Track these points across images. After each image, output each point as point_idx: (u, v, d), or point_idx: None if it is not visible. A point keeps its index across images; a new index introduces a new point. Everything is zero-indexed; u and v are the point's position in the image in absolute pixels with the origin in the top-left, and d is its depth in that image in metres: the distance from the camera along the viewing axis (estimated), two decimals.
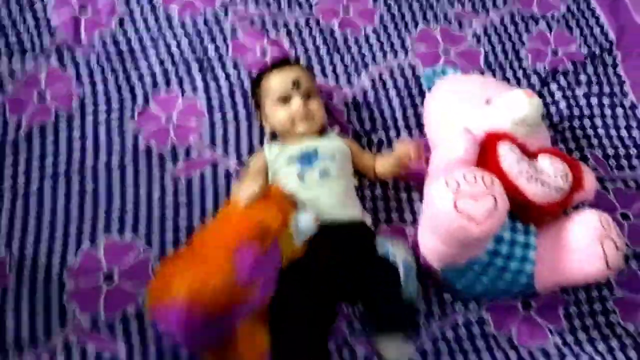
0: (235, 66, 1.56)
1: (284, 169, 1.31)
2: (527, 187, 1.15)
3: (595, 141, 1.55)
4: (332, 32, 1.65)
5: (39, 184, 1.39)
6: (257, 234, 1.06)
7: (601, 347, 1.33)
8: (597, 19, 1.73)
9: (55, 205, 1.37)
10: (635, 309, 1.38)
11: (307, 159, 1.30)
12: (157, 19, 1.64)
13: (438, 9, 1.73)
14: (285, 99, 1.36)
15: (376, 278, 1.20)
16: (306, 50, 1.61)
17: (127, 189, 1.40)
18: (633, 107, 1.60)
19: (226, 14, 1.65)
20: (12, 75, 1.51)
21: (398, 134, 1.52)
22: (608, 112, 1.59)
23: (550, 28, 1.71)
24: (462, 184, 1.06)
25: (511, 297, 1.34)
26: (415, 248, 1.28)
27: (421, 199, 1.37)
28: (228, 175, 1.42)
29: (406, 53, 1.63)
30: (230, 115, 1.49)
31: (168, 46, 1.59)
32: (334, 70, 1.59)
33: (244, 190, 1.15)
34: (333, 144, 1.35)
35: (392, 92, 1.56)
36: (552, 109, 1.58)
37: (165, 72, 1.54)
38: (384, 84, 1.58)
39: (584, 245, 1.13)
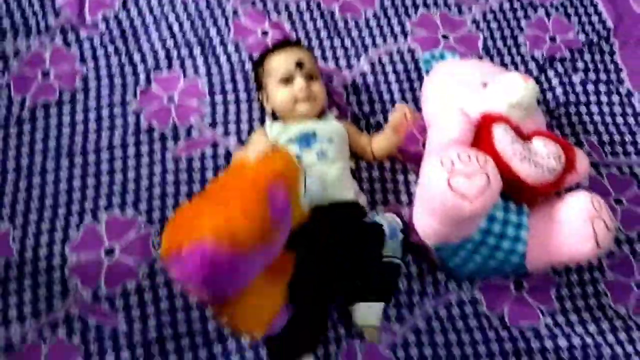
0: (237, 48, 1.57)
1: None
2: (520, 168, 1.16)
3: (590, 127, 1.56)
4: (332, 15, 1.65)
5: (42, 162, 1.40)
6: (282, 176, 1.01)
7: (592, 328, 1.34)
8: (595, 6, 1.73)
9: (58, 182, 1.39)
10: (626, 291, 1.39)
11: (306, 140, 1.31)
12: (160, 0, 1.64)
13: None
14: (287, 80, 1.36)
15: (360, 238, 1.23)
16: (307, 33, 1.61)
17: (129, 167, 1.41)
18: (629, 94, 1.61)
19: None
20: (17, 55, 1.52)
21: None
22: (604, 99, 1.59)
23: (548, 15, 1.71)
24: (456, 162, 1.07)
25: (503, 277, 1.35)
26: (410, 227, 1.29)
27: (417, 182, 1.38)
28: (228, 155, 1.43)
29: (406, 37, 1.63)
30: (231, 96, 1.49)
31: (170, 27, 1.59)
32: (334, 53, 1.59)
33: (253, 149, 1.16)
34: (331, 127, 1.36)
35: (392, 76, 1.57)
36: (549, 95, 1.58)
37: (168, 53, 1.55)
38: (384, 67, 1.58)
39: (575, 225, 1.14)
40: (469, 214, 1.07)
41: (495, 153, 1.15)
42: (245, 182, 0.98)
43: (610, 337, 1.34)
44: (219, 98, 1.49)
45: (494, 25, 1.68)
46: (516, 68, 1.61)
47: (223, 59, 1.55)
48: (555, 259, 1.18)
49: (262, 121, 1.45)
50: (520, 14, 1.70)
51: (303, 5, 1.67)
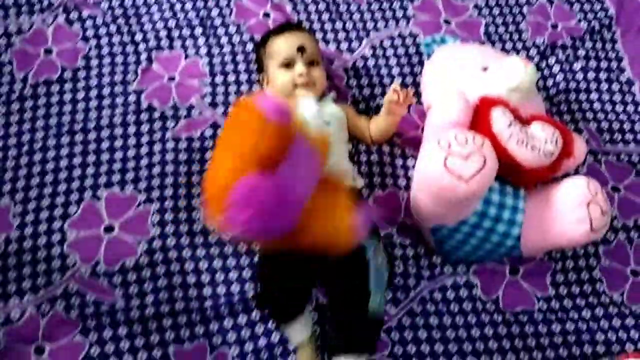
0: (238, 29, 1.54)
1: None
2: (517, 151, 1.15)
3: (590, 115, 1.54)
4: None
5: (43, 139, 1.39)
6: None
7: (586, 314, 1.34)
8: None
9: (59, 159, 1.38)
10: (622, 279, 1.39)
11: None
12: None
13: None
14: (288, 64, 1.34)
15: (344, 291, 1.17)
16: (308, 15, 1.59)
17: (129, 146, 1.40)
18: (629, 83, 1.59)
19: None
20: (20, 32, 1.50)
21: None
22: (604, 87, 1.57)
23: (551, 2, 1.69)
24: (453, 144, 1.06)
25: (498, 261, 1.34)
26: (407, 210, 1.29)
27: (415, 164, 1.37)
28: None
29: (408, 22, 1.61)
30: (231, 76, 1.48)
31: (172, 7, 1.57)
32: (336, 36, 1.57)
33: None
34: (330, 110, 1.34)
35: (392, 60, 1.55)
36: (549, 82, 1.56)
37: (169, 33, 1.53)
38: (385, 51, 1.56)
39: (570, 208, 1.13)
40: (465, 194, 1.06)
41: (492, 136, 1.14)
42: (247, 121, 0.97)
43: (604, 323, 1.33)
44: (219, 78, 1.47)
45: (496, 11, 1.65)
46: (517, 54, 1.59)
47: (224, 39, 1.53)
48: (550, 243, 1.17)
49: None
50: (522, 0, 1.67)
51: None
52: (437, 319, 1.30)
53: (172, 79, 1.47)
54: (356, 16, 1.61)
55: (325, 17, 1.59)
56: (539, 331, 1.31)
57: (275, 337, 1.25)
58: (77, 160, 1.37)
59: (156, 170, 1.37)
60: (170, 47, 1.52)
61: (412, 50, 1.56)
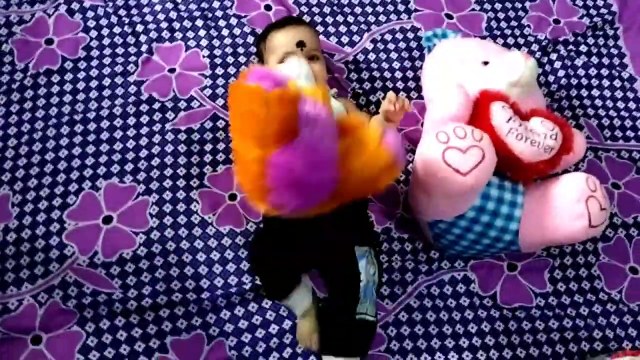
0: (239, 21, 1.53)
1: None
2: (516, 145, 1.13)
3: (591, 111, 1.52)
4: None
5: (43, 129, 1.38)
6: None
7: (584, 311, 1.32)
8: None
9: (58, 149, 1.36)
10: (620, 276, 1.37)
11: None
12: None
13: None
14: None
15: (334, 297, 1.20)
16: (310, 8, 1.57)
17: (129, 137, 1.38)
18: (631, 79, 1.56)
19: None
20: (21, 22, 1.48)
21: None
22: (606, 83, 1.55)
23: None
24: (452, 137, 1.05)
25: (496, 257, 1.33)
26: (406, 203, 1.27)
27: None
28: (227, 128, 1.40)
29: (409, 15, 1.58)
30: (232, 69, 1.46)
31: None
32: (337, 30, 1.55)
33: None
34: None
35: (393, 54, 1.53)
36: (551, 78, 1.54)
37: (170, 24, 1.51)
38: (386, 45, 1.54)
39: (569, 203, 1.11)
40: (462, 188, 1.05)
41: (492, 130, 1.13)
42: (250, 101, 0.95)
43: (602, 320, 1.32)
44: (220, 71, 1.45)
45: (498, 5, 1.63)
46: (519, 49, 1.56)
47: (225, 31, 1.51)
48: (548, 238, 1.16)
49: None
50: None
51: None
52: (434, 315, 1.28)
53: (172, 70, 1.46)
54: (357, 9, 1.58)
55: (326, 10, 1.57)
56: (536, 327, 1.29)
57: (272, 329, 1.24)
58: (76, 151, 1.36)
59: (155, 161, 1.36)
60: (171, 38, 1.50)
61: (413, 44, 1.54)
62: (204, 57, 1.47)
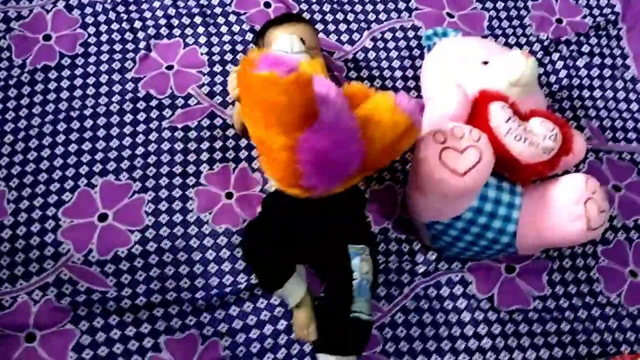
0: (238, 18, 1.50)
1: None
2: (514, 146, 1.11)
3: (592, 112, 1.49)
4: None
5: (40, 126, 1.36)
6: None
7: (582, 314, 1.30)
8: None
9: (55, 146, 1.34)
10: (620, 280, 1.35)
11: None
12: None
13: None
14: None
15: (328, 296, 1.17)
16: (310, 6, 1.54)
17: (125, 134, 1.36)
18: (634, 80, 1.53)
19: None
20: (19, 18, 1.46)
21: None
22: (608, 84, 1.52)
23: None
24: (449, 137, 1.03)
25: (494, 259, 1.30)
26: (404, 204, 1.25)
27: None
28: (225, 126, 1.38)
29: (410, 14, 1.56)
30: (230, 67, 1.44)
31: None
32: (337, 28, 1.52)
33: None
34: None
35: (393, 53, 1.50)
36: (552, 78, 1.51)
37: (169, 21, 1.49)
38: (386, 43, 1.51)
39: (567, 205, 1.09)
40: (459, 189, 1.03)
41: (490, 130, 1.10)
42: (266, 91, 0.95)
43: (600, 324, 1.29)
44: (218, 68, 1.43)
45: (500, 4, 1.60)
46: (520, 49, 1.53)
47: (224, 28, 1.49)
48: (546, 241, 1.13)
49: None
50: None
51: None
52: (431, 316, 1.26)
53: (170, 67, 1.43)
54: (358, 7, 1.56)
55: (326, 7, 1.54)
56: (534, 330, 1.27)
57: (267, 330, 1.22)
58: (72, 148, 1.34)
59: (152, 159, 1.34)
60: (170, 35, 1.48)
61: (413, 43, 1.52)
62: (202, 54, 1.45)
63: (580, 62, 1.53)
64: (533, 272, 1.32)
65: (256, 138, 1.05)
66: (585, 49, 1.55)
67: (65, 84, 1.40)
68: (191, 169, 1.34)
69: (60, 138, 1.35)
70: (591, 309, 1.31)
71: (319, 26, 1.51)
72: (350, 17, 1.54)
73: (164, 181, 1.32)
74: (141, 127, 1.37)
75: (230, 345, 1.21)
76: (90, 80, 1.41)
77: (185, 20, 1.49)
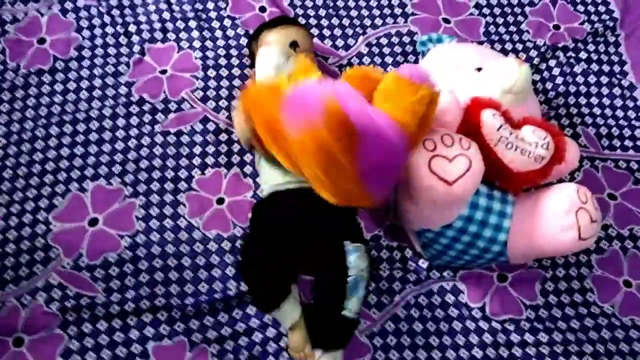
0: (233, 23, 1.48)
1: None
2: (506, 154, 1.08)
3: (589, 119, 1.46)
4: None
5: (32, 130, 1.35)
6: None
7: (575, 325, 1.27)
8: None
9: (47, 150, 1.33)
10: (614, 289, 1.32)
11: None
12: None
13: None
14: None
15: (323, 290, 1.16)
16: (305, 10, 1.52)
17: (118, 139, 1.35)
18: (631, 87, 1.50)
19: None
20: (14, 21, 1.45)
21: None
22: (605, 91, 1.48)
23: (554, 2, 1.60)
24: (439, 145, 1.00)
25: (486, 267, 1.28)
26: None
27: None
28: (218, 131, 1.36)
29: (406, 19, 1.53)
30: (224, 72, 1.42)
31: None
32: (332, 33, 1.50)
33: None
34: None
35: (388, 58, 1.48)
36: (549, 84, 1.48)
37: (163, 25, 1.47)
38: (381, 49, 1.49)
39: (558, 215, 1.06)
40: (448, 197, 1.01)
41: (481, 137, 1.07)
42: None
43: (593, 334, 1.27)
44: (212, 72, 1.41)
45: (497, 10, 1.57)
46: (517, 55, 1.51)
47: (218, 33, 1.47)
48: (537, 250, 1.11)
49: None
50: (525, 0, 1.59)
51: None
52: (421, 325, 1.24)
53: (164, 71, 1.42)
54: (354, 12, 1.53)
55: (322, 12, 1.52)
56: (525, 340, 1.24)
57: (255, 337, 1.20)
58: (64, 152, 1.33)
59: (143, 163, 1.32)
60: (164, 39, 1.46)
61: (409, 48, 1.49)
62: (196, 58, 1.43)
63: (578, 69, 1.49)
64: (526, 281, 1.29)
65: (314, 179, 1.00)
66: (583, 55, 1.52)
67: (59, 87, 1.39)
68: (183, 173, 1.32)
69: (53, 142, 1.34)
70: (584, 319, 1.28)
71: (314, 31, 1.49)
72: (346, 22, 1.52)
73: (155, 186, 1.30)
74: (134, 132, 1.35)
75: (219, 353, 1.19)
76: (84, 84, 1.40)
77: (180, 25, 1.47)
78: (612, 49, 1.54)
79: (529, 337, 1.24)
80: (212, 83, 1.40)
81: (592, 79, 1.49)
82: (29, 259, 1.23)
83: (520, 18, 1.56)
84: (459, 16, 1.55)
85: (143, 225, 1.27)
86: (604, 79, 1.49)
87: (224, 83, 1.41)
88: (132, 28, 1.46)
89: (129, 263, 1.24)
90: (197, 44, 1.45)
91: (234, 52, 1.44)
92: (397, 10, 1.54)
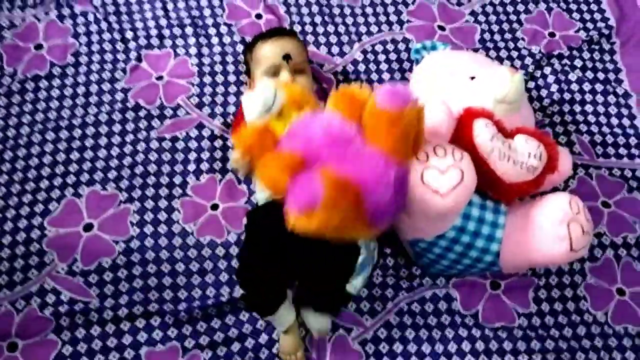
0: (229, 30, 1.48)
1: None
2: (498, 165, 1.07)
3: (583, 127, 1.45)
4: (328, 1, 1.55)
5: (29, 135, 1.35)
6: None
7: (567, 333, 1.26)
8: (599, 3, 1.60)
9: (43, 155, 1.33)
10: (607, 298, 1.31)
11: None
12: None
13: None
14: (274, 72, 1.26)
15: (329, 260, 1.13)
16: (301, 18, 1.51)
17: (113, 144, 1.35)
18: (626, 95, 1.49)
19: None
20: (11, 27, 1.45)
21: None
22: (600, 99, 1.48)
23: (550, 10, 1.59)
24: (431, 156, 0.99)
25: (479, 275, 1.28)
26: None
27: None
28: (213, 137, 1.36)
29: (401, 27, 1.53)
30: (219, 78, 1.42)
31: (164, 5, 1.51)
32: (327, 40, 1.50)
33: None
34: None
35: (383, 65, 1.47)
36: (544, 92, 1.47)
37: (160, 32, 1.47)
38: (376, 56, 1.48)
39: (551, 226, 1.05)
40: (441, 209, 1.00)
41: (473, 148, 1.07)
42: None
43: (586, 342, 1.26)
44: (207, 79, 1.41)
45: (492, 18, 1.56)
46: (512, 63, 1.50)
47: (215, 40, 1.47)
48: (529, 261, 1.10)
49: None
50: (520, 7, 1.58)
51: None
52: (414, 332, 1.24)
53: (160, 78, 1.42)
54: (349, 20, 1.53)
55: (317, 19, 1.52)
56: (517, 348, 1.24)
57: (248, 343, 1.20)
58: (60, 157, 1.33)
59: (138, 169, 1.32)
60: (160, 45, 1.46)
61: (404, 55, 1.49)
62: (192, 64, 1.43)
63: (573, 77, 1.49)
64: (519, 288, 1.29)
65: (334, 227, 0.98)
66: (578, 63, 1.51)
67: (55, 93, 1.39)
68: (178, 179, 1.32)
69: (49, 147, 1.34)
70: (577, 327, 1.27)
71: (310, 38, 1.49)
72: (341, 29, 1.51)
73: (150, 192, 1.30)
74: (129, 138, 1.36)
75: (211, 358, 1.19)
76: (80, 90, 1.40)
77: (177, 31, 1.47)
78: (607, 57, 1.53)
79: (521, 345, 1.24)
80: (208, 89, 1.41)
81: (587, 86, 1.48)
82: (23, 264, 1.24)
83: (515, 25, 1.56)
84: (454, 23, 1.54)
85: (137, 231, 1.27)
86: (599, 87, 1.49)
87: (220, 89, 1.41)
88: (128, 34, 1.46)
89: (123, 268, 1.24)
90: (193, 50, 1.45)
91: (230, 58, 1.44)
92: (393, 18, 1.54)
